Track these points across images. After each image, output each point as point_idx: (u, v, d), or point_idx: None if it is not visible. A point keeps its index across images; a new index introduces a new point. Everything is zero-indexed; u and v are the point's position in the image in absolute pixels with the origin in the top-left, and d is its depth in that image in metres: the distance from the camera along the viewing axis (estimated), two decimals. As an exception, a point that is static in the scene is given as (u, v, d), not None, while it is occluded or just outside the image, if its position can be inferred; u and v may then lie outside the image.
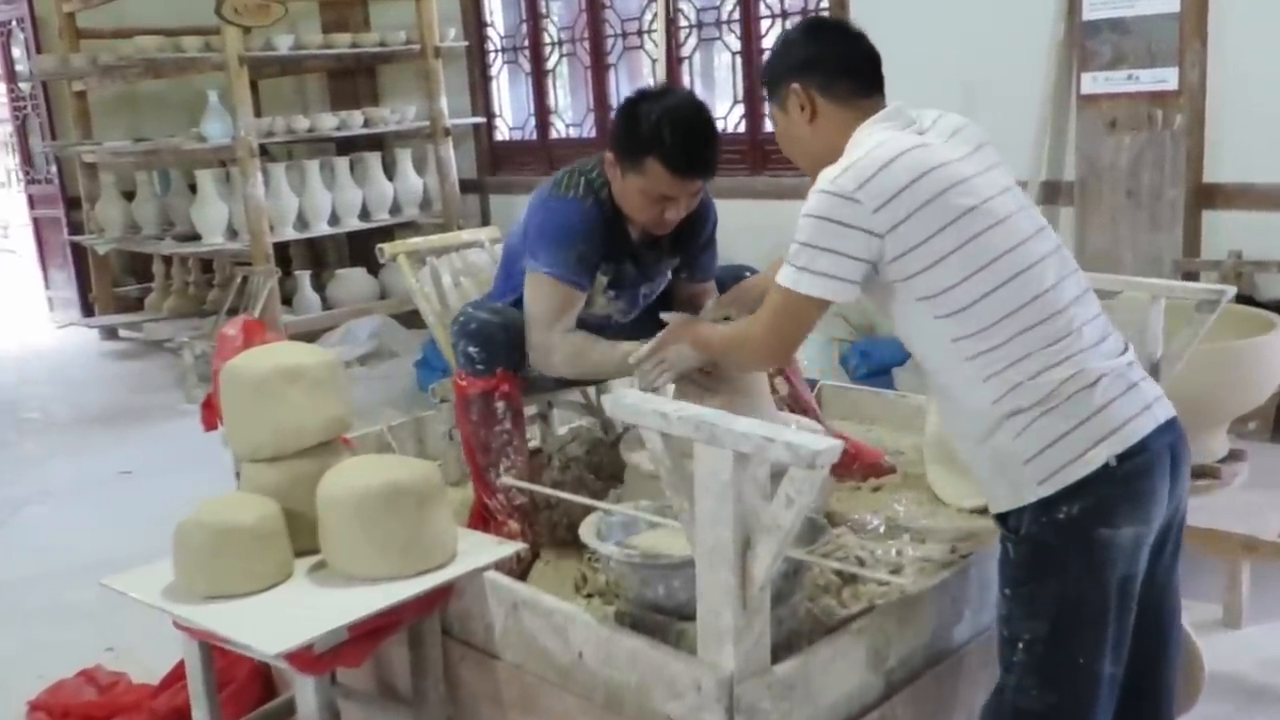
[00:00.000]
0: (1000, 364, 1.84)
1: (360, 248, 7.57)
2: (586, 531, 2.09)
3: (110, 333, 8.04)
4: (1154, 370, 2.53)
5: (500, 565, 2.19)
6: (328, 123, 6.72)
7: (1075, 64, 4.63)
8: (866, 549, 2.33)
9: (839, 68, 2.02)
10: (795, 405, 2.85)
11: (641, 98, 2.49)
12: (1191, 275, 4.39)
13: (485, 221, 7.18)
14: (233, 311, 6.48)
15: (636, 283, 2.69)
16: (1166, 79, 4.41)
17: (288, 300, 7.01)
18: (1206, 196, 4.45)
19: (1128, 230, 4.63)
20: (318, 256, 8.00)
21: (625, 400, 1.81)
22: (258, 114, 7.17)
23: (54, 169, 8.15)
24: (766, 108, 2.28)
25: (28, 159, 8.61)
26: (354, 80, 7.85)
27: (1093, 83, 4.60)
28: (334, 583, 2.07)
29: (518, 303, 2.61)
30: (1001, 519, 1.90)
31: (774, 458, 1.60)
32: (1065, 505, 1.80)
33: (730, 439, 1.64)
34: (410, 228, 7.23)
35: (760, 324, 2.04)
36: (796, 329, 2.00)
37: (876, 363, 4.86)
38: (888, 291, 1.93)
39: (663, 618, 1.97)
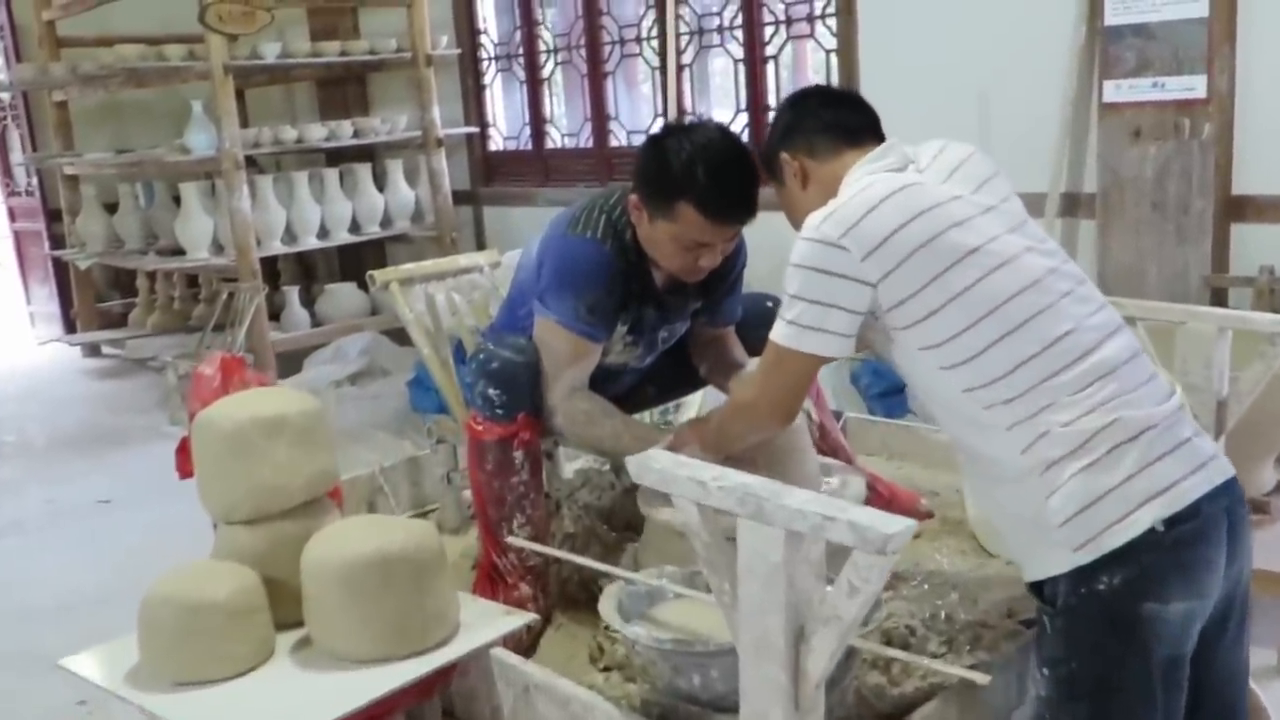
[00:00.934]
0: (1023, 413, 1.66)
1: (351, 262, 7.36)
2: (607, 607, 1.85)
3: (93, 350, 7.81)
4: (1220, 409, 2.31)
5: (509, 637, 1.95)
6: (316, 133, 6.48)
7: (1097, 71, 4.43)
8: (916, 616, 2.09)
9: (820, 127, 1.93)
10: (824, 444, 2.62)
11: (668, 133, 2.26)
12: (1220, 292, 4.22)
13: (479, 233, 6.97)
14: (219, 329, 6.26)
15: (655, 327, 2.46)
16: (1194, 86, 4.21)
17: (276, 316, 6.77)
18: (1236, 209, 4.25)
19: (1153, 244, 4.44)
20: (307, 271, 7.76)
21: (654, 464, 1.57)
22: (245, 124, 6.95)
23: (35, 181, 7.91)
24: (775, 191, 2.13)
25: (7, 171, 8.37)
26: (344, 89, 7.62)
27: (1116, 90, 4.40)
28: (319, 665, 1.83)
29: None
30: (1036, 589, 1.71)
31: (835, 539, 1.36)
32: (1106, 575, 1.60)
33: (781, 515, 1.40)
34: (402, 241, 7.04)
35: (756, 386, 1.90)
36: (795, 387, 1.86)
37: (890, 381, 4.63)
38: (889, 339, 1.76)
39: (697, 709, 1.73)
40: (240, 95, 7.47)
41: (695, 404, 3.14)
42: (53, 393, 7.00)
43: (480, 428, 2.31)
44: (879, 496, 2.62)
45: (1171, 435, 1.65)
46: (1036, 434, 1.64)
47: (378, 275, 2.76)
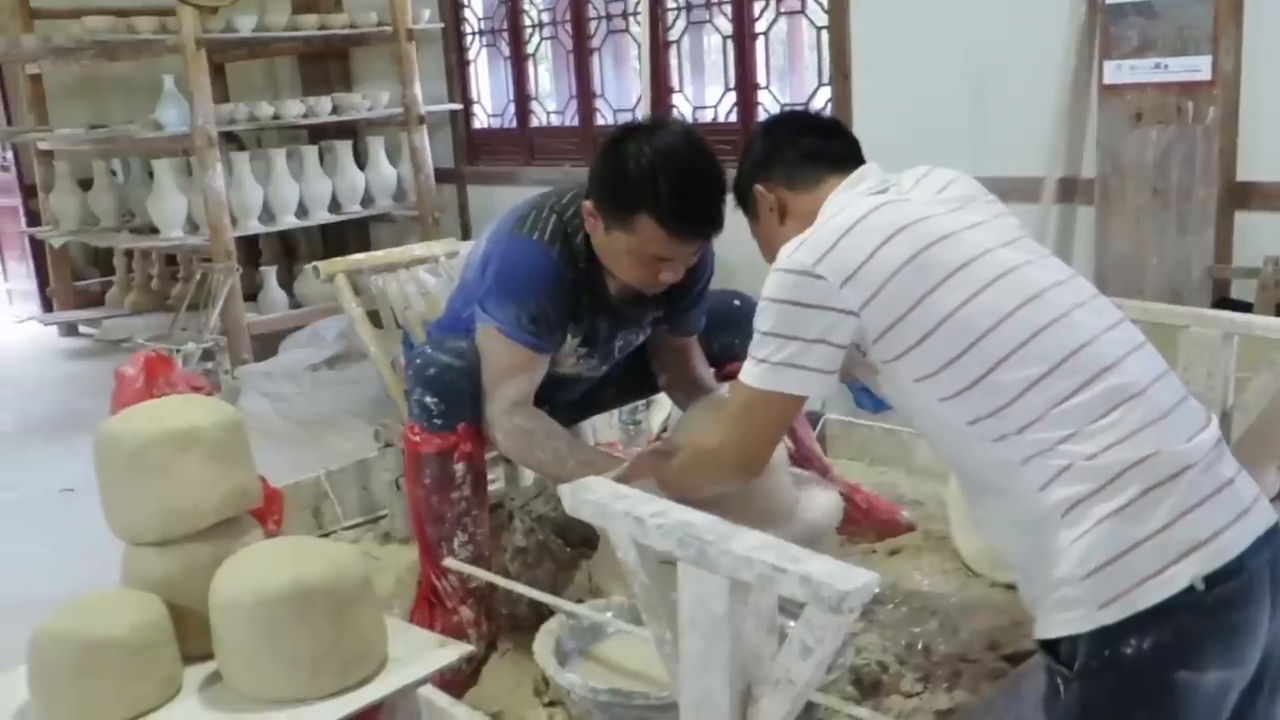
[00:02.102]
0: (1040, 443, 1.46)
1: (334, 242, 7.17)
2: (542, 648, 1.68)
3: (70, 329, 7.63)
4: (1224, 422, 2.13)
5: (443, 671, 1.78)
6: (294, 109, 6.29)
7: (1097, 51, 4.24)
8: (890, 650, 1.92)
9: (798, 156, 1.77)
10: (797, 453, 2.44)
11: (627, 135, 2.05)
12: (1223, 283, 4.07)
13: (463, 213, 6.80)
14: (193, 308, 6.09)
15: (610, 338, 2.28)
16: (1199, 68, 4.03)
17: (254, 297, 6.60)
18: (1240, 197, 4.09)
19: (1153, 233, 4.28)
20: (289, 250, 7.59)
21: (588, 496, 1.40)
22: (224, 100, 6.77)
23: (9, 156, 7.73)
24: (748, 227, 1.95)
25: (-18, 145, 8.17)
26: (326, 65, 7.41)
27: (1117, 72, 4.21)
28: (227, 706, 1.67)
29: None
30: (1049, 647, 1.49)
31: (785, 593, 1.19)
32: (1134, 638, 1.40)
33: (727, 562, 1.23)
34: (384, 220, 6.88)
35: (722, 432, 1.71)
36: (766, 434, 1.68)
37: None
38: (879, 373, 1.58)
39: (637, 764, 1.56)
40: (220, 70, 7.29)
41: (668, 402, 2.97)
42: (26, 374, 6.83)
43: (417, 439, 2.13)
44: (856, 509, 2.45)
45: (1213, 476, 1.45)
46: (1057, 469, 1.45)
47: (323, 266, 2.58)
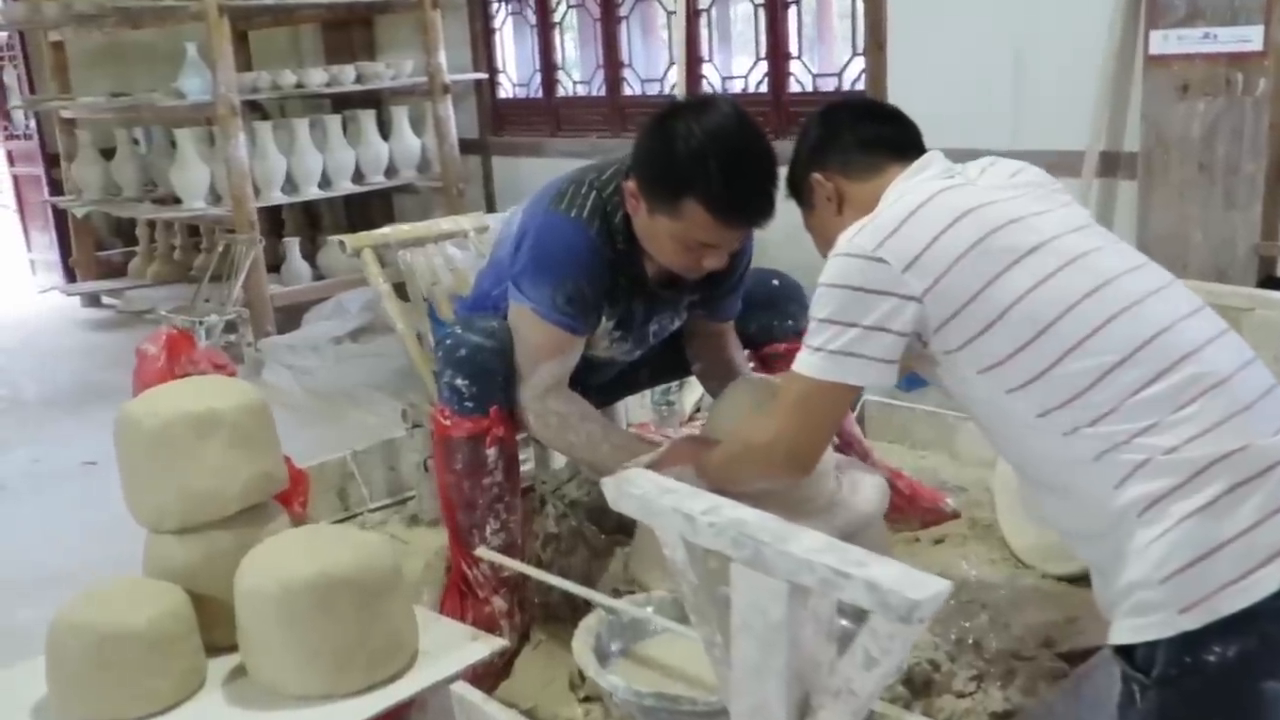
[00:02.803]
0: (1115, 437, 1.37)
1: (357, 213, 7.12)
2: (581, 646, 1.60)
3: (93, 300, 7.59)
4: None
5: (475, 666, 1.71)
6: (317, 78, 6.20)
7: (1143, 20, 4.11)
8: (940, 648, 1.84)
9: (857, 142, 1.68)
10: (839, 438, 2.35)
11: (675, 113, 1.92)
12: (1270, 260, 3.95)
13: (487, 184, 6.72)
14: (215, 279, 6.04)
15: (645, 322, 2.18)
16: (1250, 38, 3.89)
17: (277, 268, 6.53)
18: (1289, 172, 3.93)
19: (1198, 208, 4.17)
20: (313, 221, 7.51)
21: (633, 490, 1.31)
22: (248, 68, 6.68)
23: (32, 125, 7.67)
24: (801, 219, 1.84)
25: (5, 113, 8.12)
26: (350, 33, 7.31)
27: (1163, 41, 4.08)
28: (252, 702, 1.60)
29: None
30: (1124, 653, 1.41)
31: (849, 599, 1.11)
32: (1218, 645, 1.32)
33: (784, 565, 1.15)
34: (408, 191, 6.79)
35: (774, 425, 1.62)
36: (822, 428, 1.60)
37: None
38: (939, 364, 1.50)
39: (682, 771, 1.49)
40: (244, 38, 7.20)
41: (699, 388, 2.88)
42: (49, 345, 6.79)
43: (448, 422, 2.05)
44: (898, 495, 2.36)
45: None
46: (1133, 464, 1.36)
47: (350, 240, 2.50)
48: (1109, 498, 1.37)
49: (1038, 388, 1.42)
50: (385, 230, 2.55)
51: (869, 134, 1.70)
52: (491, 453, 2.03)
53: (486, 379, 2.01)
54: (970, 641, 1.90)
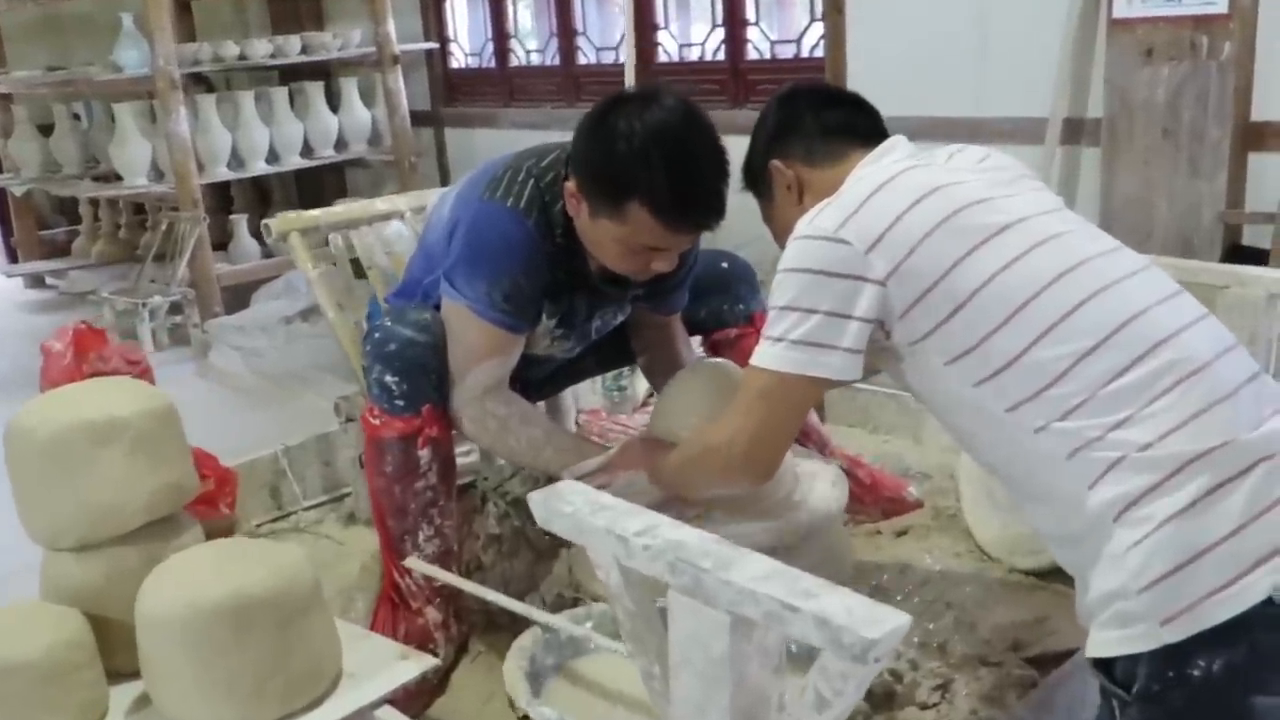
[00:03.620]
0: (1088, 430, 1.27)
1: (309, 188, 6.94)
2: (513, 669, 1.49)
3: (37, 281, 7.37)
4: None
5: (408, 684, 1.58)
6: (261, 49, 6.00)
7: (1106, -17, 4.03)
8: (903, 655, 1.73)
9: (819, 128, 1.59)
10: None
11: (615, 108, 1.78)
12: (1235, 229, 3.88)
13: (440, 156, 6.56)
14: (159, 259, 5.86)
15: (588, 317, 2.05)
16: (1214, 1, 3.80)
17: (225, 246, 6.35)
18: (1255, 138, 3.89)
19: (1163, 175, 4.09)
20: (263, 197, 7.32)
21: (562, 507, 1.19)
22: (192, 39, 6.46)
23: (-33, 100, 7.42)
24: (759, 210, 1.75)
25: (-59, 89, 7.85)
26: (296, 2, 7.12)
27: (1127, 5, 4.00)
28: (159, 735, 1.47)
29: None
30: (1103, 666, 1.31)
31: (797, 635, 0.99)
32: (1203, 658, 1.22)
33: (727, 595, 1.03)
34: (359, 165, 6.63)
35: (731, 425, 1.50)
36: (785, 426, 1.48)
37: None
38: (903, 359, 1.40)
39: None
40: (186, 8, 6.97)
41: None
42: (-11, 328, 6.59)
43: (377, 422, 1.91)
44: (858, 485, 2.25)
45: None
46: (1107, 462, 1.27)
47: (274, 224, 2.35)
48: (1083, 499, 1.28)
49: (1007, 378, 1.32)
50: (314, 213, 2.41)
51: (831, 120, 1.62)
52: (424, 454, 1.90)
53: (418, 375, 1.88)
54: (935, 645, 1.80)
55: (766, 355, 1.43)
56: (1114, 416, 1.27)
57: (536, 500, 1.22)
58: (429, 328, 1.90)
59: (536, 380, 2.07)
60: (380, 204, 2.48)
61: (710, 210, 1.77)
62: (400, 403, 1.88)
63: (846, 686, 0.98)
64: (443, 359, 1.89)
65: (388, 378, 1.88)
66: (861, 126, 1.62)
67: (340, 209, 2.47)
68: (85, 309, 6.62)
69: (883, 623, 0.95)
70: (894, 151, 1.56)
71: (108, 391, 1.62)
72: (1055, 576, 1.99)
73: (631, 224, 1.76)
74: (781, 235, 1.60)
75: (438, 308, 1.94)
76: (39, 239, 7.37)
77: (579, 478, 1.79)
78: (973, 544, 2.16)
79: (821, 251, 1.39)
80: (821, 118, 1.62)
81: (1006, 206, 1.40)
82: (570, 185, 1.82)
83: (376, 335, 1.90)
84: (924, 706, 1.64)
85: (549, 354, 2.08)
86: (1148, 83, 3.97)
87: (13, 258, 7.52)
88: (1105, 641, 1.29)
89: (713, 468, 1.58)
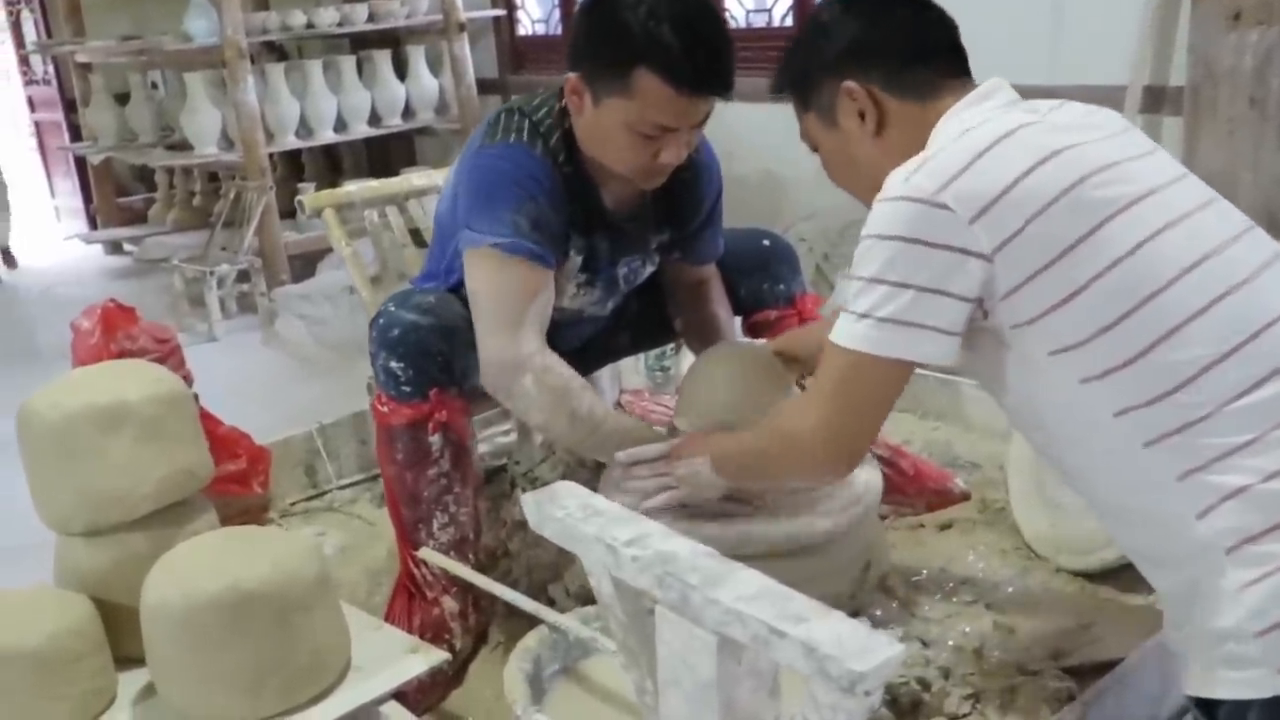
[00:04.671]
0: (1206, 452, 1.14)
1: (377, 156, 6.97)
2: (514, 672, 1.44)
3: (115, 247, 7.51)
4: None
5: (415, 680, 1.55)
6: (328, 18, 6.00)
7: (1193, -58, 3.84)
8: (933, 663, 1.65)
9: (910, 48, 1.36)
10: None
11: None
12: (1325, 202, 3.70)
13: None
14: (228, 226, 5.91)
15: (613, 261, 1.96)
16: (1310, -40, 3.63)
17: (294, 214, 6.38)
18: (1349, 107, 3.69)
19: (1248, 146, 3.91)
20: (333, 166, 7.35)
21: (554, 511, 1.14)
22: (263, 7, 6.50)
23: (50, 69, 7.56)
24: (798, 125, 1.52)
25: (25, 59, 8.01)
26: (366, -31, 7.10)
27: (1213, -35, 3.80)
28: (162, 726, 1.45)
29: (460, 286, 1.89)
30: (1206, 707, 1.20)
31: (783, 660, 0.93)
32: None
33: (713, 614, 0.97)
34: (426, 134, 6.61)
35: (812, 411, 1.33)
36: (872, 413, 1.31)
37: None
38: (997, 344, 1.24)
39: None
40: (259, -24, 7.02)
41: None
42: (68, 294, 6.70)
43: (386, 410, 1.86)
44: (901, 475, 2.16)
45: None
46: (1227, 489, 1.14)
47: (307, 200, 2.32)
48: (1190, 525, 1.16)
49: (1122, 378, 1.18)
50: (349, 188, 2.38)
51: (927, 40, 1.39)
52: (435, 440, 1.85)
53: (423, 360, 1.82)
54: (970, 650, 1.71)
55: (850, 333, 1.26)
56: (1238, 438, 1.14)
57: (530, 502, 1.17)
58: (432, 309, 1.84)
59: (570, 354, 2.01)
60: (416, 179, 2.44)
61: (720, 72, 1.72)
62: (407, 389, 1.83)
63: (836, 718, 0.92)
64: (449, 341, 1.83)
65: (393, 364, 1.83)
66: (957, 54, 1.40)
67: (376, 184, 2.44)
68: (159, 276, 6.72)
69: (873, 654, 0.88)
70: (996, 95, 1.35)
71: (120, 376, 1.59)
72: (1103, 578, 1.89)
73: (640, 97, 1.69)
74: (845, 173, 1.45)
75: (457, 287, 1.88)
76: (118, 206, 7.50)
77: (636, 462, 1.72)
78: (1020, 540, 2.06)
79: (919, 216, 1.20)
80: (913, 35, 1.39)
81: (1135, 173, 1.23)
82: (573, 79, 1.77)
83: (380, 321, 1.85)
84: (953, 718, 1.56)
85: (578, 307, 2.00)
86: (1234, 48, 3.78)
87: (93, 224, 7.67)
88: (1212, 681, 1.18)
89: (790, 459, 1.42)
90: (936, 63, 1.38)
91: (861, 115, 1.38)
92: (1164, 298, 1.17)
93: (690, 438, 1.72)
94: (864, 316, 1.24)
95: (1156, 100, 4.04)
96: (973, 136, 1.24)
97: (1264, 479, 1.12)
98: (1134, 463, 1.19)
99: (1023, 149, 1.21)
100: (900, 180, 1.23)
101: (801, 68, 1.46)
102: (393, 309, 1.86)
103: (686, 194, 1.91)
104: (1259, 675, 1.13)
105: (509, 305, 1.79)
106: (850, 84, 1.38)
